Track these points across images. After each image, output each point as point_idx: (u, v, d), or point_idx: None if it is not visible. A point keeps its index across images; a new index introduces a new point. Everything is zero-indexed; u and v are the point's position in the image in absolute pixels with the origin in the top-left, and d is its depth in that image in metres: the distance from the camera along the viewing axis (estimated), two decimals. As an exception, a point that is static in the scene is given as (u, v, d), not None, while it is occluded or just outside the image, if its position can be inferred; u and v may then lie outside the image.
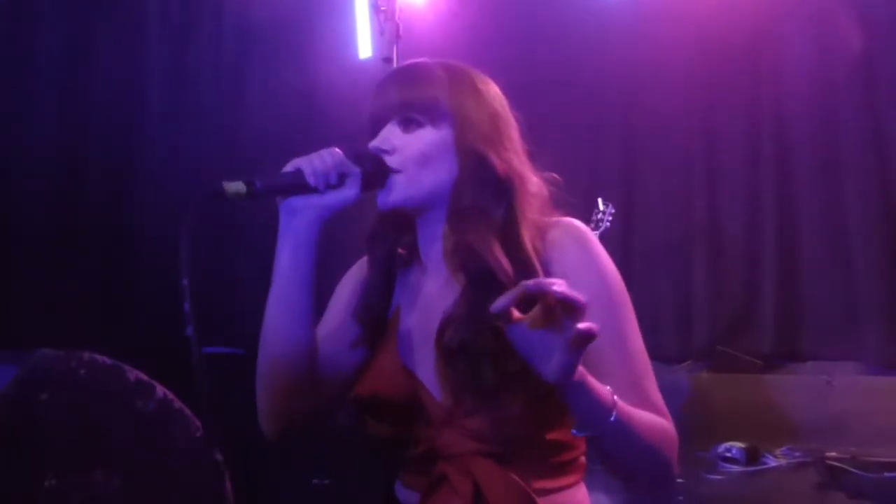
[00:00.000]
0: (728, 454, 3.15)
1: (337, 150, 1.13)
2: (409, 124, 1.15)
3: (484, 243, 1.11)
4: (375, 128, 1.17)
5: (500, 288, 1.02)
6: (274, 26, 4.59)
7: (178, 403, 0.91)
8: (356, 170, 1.12)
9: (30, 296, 4.18)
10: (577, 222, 1.17)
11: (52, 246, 4.30)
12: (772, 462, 3.14)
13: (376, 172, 1.13)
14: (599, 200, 3.67)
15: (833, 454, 2.96)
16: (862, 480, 2.81)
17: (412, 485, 1.17)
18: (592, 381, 1.00)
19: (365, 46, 4.08)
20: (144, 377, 0.91)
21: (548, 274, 1.12)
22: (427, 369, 1.15)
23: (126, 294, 4.28)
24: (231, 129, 4.59)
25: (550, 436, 1.10)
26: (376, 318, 1.21)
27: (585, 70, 4.22)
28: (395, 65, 3.90)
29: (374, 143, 1.15)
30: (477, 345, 1.06)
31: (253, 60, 4.69)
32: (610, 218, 3.63)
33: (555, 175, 1.22)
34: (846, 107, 3.93)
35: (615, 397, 1.02)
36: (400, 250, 1.24)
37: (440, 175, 1.15)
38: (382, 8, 3.68)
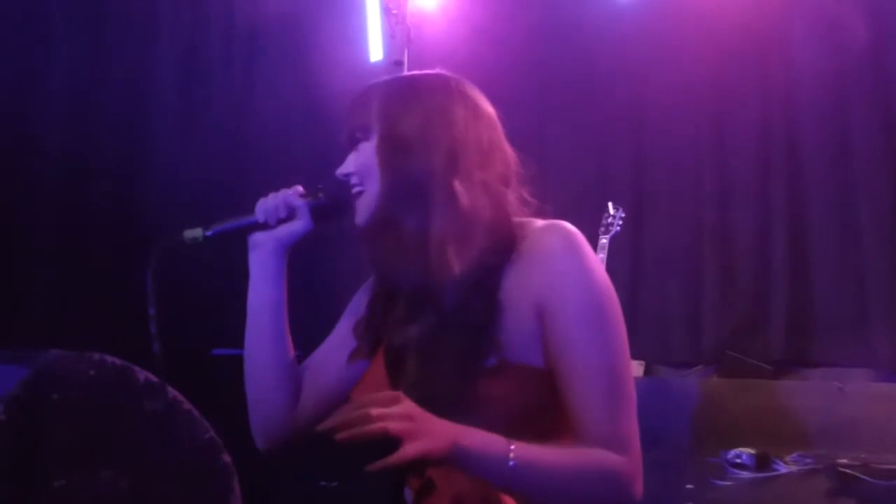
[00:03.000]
0: (738, 460, 3.12)
1: (298, 187, 1.24)
2: (356, 146, 1.20)
3: (385, 257, 1.15)
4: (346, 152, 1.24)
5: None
6: (284, 29, 4.60)
7: (186, 405, 0.91)
8: (301, 203, 1.22)
9: (40, 297, 4.20)
10: (568, 225, 1.14)
11: (62, 246, 4.32)
12: (782, 468, 3.11)
13: (333, 201, 1.22)
14: (610, 204, 3.66)
15: (844, 461, 2.94)
16: (873, 488, 2.79)
17: (411, 485, 1.18)
18: (475, 445, 1.00)
19: (376, 50, 4.08)
20: (154, 378, 0.91)
21: (515, 279, 1.11)
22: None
23: (135, 296, 4.29)
24: (241, 133, 4.60)
25: (539, 440, 1.09)
26: (373, 332, 1.24)
27: (596, 73, 4.21)
28: (405, 68, 3.91)
29: (338, 171, 1.22)
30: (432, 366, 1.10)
31: (263, 64, 4.70)
32: (620, 222, 3.62)
33: (531, 199, 1.20)
34: (858, 110, 3.91)
35: (512, 448, 1.01)
36: None
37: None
38: (393, 11, 3.69)
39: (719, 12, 3.97)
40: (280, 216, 1.23)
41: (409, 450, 0.95)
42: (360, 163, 1.18)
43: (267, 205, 1.23)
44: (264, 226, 1.23)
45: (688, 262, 4.14)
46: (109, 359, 0.90)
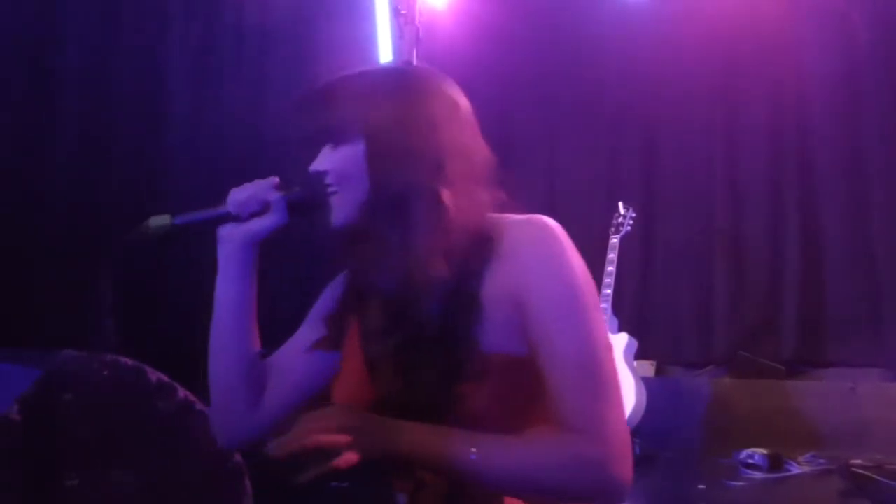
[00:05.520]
0: (750, 461, 3.11)
1: (274, 178, 1.18)
2: (335, 144, 1.16)
3: (364, 264, 1.14)
4: (312, 147, 1.20)
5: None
6: (295, 29, 4.61)
7: (198, 405, 0.92)
8: (278, 196, 1.16)
9: (54, 297, 4.22)
10: (547, 220, 1.13)
11: (76, 246, 4.34)
12: (795, 469, 3.10)
13: (309, 196, 1.16)
14: (620, 204, 3.65)
15: (857, 462, 2.92)
16: (887, 488, 2.77)
17: (401, 488, 1.16)
18: (421, 443, 1.02)
19: (385, 50, 4.09)
20: (166, 379, 0.91)
21: (489, 277, 1.10)
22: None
23: (148, 296, 4.31)
24: (251, 133, 4.62)
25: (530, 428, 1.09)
26: (343, 327, 1.22)
27: (607, 72, 4.20)
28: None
29: (312, 166, 1.18)
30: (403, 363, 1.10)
31: (274, 64, 4.72)
32: (631, 221, 3.61)
33: (503, 195, 1.17)
34: (871, 111, 3.88)
35: (473, 441, 1.02)
36: None
37: (364, 193, 1.13)
38: (403, 11, 3.69)
39: (730, 14, 3.96)
40: (252, 209, 1.17)
41: (342, 460, 0.98)
42: (338, 165, 1.14)
43: (239, 196, 1.18)
44: (235, 218, 1.18)
45: (699, 261, 4.12)
46: (122, 359, 0.91)
